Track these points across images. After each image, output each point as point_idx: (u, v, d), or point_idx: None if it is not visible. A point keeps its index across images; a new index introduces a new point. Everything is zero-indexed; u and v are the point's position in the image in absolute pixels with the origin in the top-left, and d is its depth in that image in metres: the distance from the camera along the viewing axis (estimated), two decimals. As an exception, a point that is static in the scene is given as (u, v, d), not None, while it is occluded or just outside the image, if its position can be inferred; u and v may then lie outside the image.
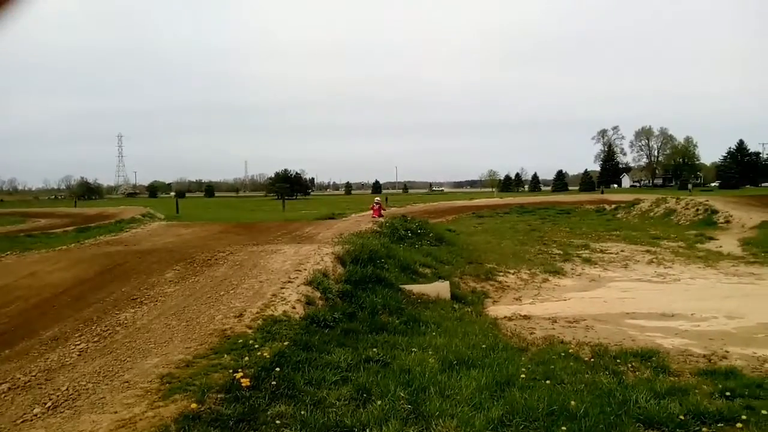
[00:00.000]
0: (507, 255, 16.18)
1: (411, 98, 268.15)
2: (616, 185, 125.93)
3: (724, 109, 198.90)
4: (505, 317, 9.58)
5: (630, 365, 6.51)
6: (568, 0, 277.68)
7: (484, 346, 6.97)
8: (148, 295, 8.23)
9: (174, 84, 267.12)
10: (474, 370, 6.00)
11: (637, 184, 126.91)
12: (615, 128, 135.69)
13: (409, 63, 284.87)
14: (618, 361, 6.64)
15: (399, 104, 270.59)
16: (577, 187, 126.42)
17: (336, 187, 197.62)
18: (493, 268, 13.73)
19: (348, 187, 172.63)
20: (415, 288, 10.09)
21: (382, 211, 42.01)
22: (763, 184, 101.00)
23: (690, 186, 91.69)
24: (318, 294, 8.29)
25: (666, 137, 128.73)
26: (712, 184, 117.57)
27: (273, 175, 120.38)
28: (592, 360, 6.67)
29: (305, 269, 9.24)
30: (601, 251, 17.27)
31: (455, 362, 6.21)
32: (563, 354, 6.84)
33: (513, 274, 13.40)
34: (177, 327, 6.70)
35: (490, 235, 22.38)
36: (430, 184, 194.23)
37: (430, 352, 6.58)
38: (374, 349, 6.38)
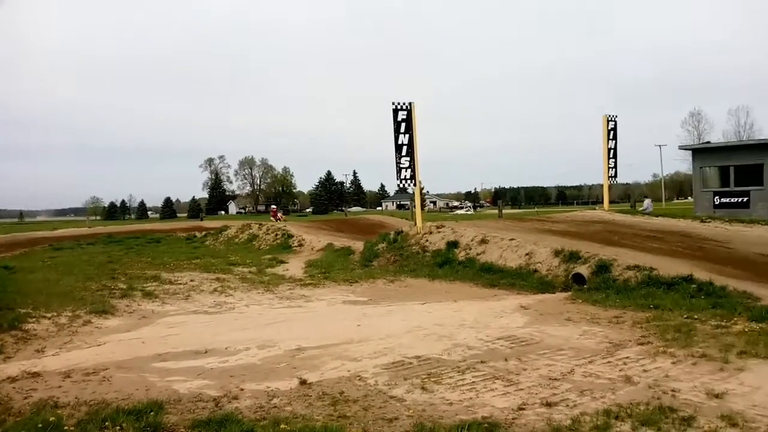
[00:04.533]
0: (58, 295, 13.89)
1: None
2: (223, 212, 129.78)
3: (315, 142, 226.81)
4: (9, 377, 7.66)
5: (120, 427, 5.53)
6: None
7: None
8: None
9: None
10: None
11: (243, 211, 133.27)
12: (221, 157, 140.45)
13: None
14: (107, 423, 5.61)
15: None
16: (186, 214, 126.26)
17: None
18: (27, 313, 11.40)
19: None
20: None
21: (279, 215, 41.04)
22: (348, 209, 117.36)
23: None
24: None
25: (267, 167, 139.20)
26: (307, 210, 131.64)
27: None
28: (73, 429, 5.49)
29: None
30: (171, 282, 16.36)
31: None
32: (42, 425, 5.47)
33: (50, 318, 11.33)
34: None
35: (56, 271, 19.41)
36: (20, 212, 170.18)
37: None
38: None
